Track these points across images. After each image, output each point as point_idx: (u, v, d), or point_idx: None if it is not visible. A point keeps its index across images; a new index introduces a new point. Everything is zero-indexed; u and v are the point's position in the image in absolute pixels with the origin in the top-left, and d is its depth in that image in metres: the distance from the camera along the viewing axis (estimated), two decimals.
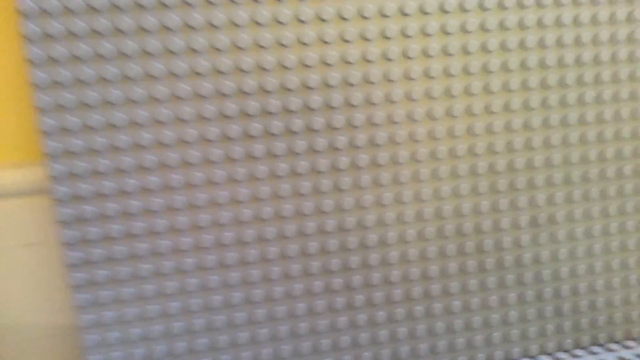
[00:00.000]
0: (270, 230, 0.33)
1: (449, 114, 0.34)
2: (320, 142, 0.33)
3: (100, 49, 0.30)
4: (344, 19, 0.32)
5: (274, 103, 0.32)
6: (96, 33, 0.30)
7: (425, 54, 0.33)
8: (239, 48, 0.31)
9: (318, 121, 0.32)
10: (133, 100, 0.31)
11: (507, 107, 0.34)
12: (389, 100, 0.33)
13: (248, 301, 0.34)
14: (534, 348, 0.37)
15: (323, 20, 0.31)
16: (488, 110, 0.34)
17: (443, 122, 0.34)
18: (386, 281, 0.35)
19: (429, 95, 0.33)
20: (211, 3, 0.30)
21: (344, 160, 0.33)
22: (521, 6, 0.34)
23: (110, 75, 0.30)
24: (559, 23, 0.34)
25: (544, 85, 0.35)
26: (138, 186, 0.32)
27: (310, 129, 0.32)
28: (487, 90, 0.34)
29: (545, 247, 0.36)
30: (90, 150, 0.31)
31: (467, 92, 0.34)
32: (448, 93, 0.33)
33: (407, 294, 0.35)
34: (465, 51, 0.33)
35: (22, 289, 0.36)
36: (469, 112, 0.34)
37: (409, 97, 0.33)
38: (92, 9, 0.30)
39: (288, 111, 0.32)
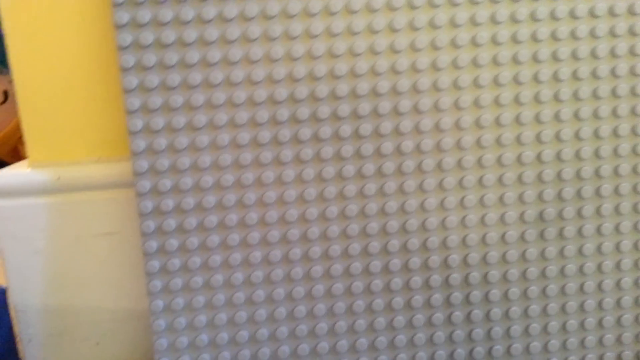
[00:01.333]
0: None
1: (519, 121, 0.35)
2: (387, 145, 0.35)
3: (186, 57, 0.33)
4: (416, 28, 0.34)
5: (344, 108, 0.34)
6: (183, 43, 0.33)
7: (496, 61, 0.35)
8: (313, 57, 0.34)
9: (385, 126, 0.35)
10: (213, 105, 0.34)
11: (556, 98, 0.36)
12: (456, 107, 0.35)
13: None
14: None
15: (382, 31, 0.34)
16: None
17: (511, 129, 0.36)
18: (467, 282, 0.36)
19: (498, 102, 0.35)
20: (331, 13, 0.33)
21: (408, 164, 0.35)
22: None
23: (193, 81, 0.34)
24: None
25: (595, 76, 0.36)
26: (214, 183, 0.35)
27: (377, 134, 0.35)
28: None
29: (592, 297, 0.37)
30: (172, 149, 0.34)
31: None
32: (518, 100, 0.35)
33: (484, 295, 0.37)
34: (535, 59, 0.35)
35: (101, 274, 0.39)
36: (537, 119, 0.36)
37: (477, 104, 0.35)
38: (181, 40, 0.33)
39: (358, 117, 0.35)
